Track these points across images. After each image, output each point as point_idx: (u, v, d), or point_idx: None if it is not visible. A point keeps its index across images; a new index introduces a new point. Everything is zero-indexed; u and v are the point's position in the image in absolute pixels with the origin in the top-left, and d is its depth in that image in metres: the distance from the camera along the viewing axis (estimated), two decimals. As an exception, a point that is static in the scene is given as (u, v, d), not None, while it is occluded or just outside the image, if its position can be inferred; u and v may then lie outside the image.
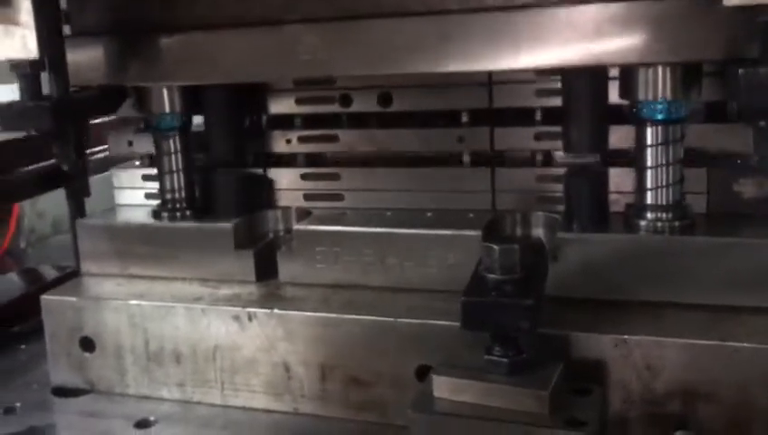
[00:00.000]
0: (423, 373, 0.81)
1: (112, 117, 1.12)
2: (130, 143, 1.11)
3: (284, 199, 1.08)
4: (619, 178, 0.91)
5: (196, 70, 0.93)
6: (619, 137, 0.90)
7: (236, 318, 0.90)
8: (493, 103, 0.97)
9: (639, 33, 0.76)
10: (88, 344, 0.96)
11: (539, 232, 0.95)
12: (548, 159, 0.97)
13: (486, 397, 0.69)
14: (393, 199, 1.02)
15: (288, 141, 1.06)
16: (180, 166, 1.04)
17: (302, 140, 1.06)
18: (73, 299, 0.97)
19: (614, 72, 0.89)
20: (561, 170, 0.93)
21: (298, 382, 0.88)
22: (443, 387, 0.71)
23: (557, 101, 0.92)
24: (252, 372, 0.90)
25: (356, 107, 1.03)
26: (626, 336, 0.76)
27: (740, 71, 0.66)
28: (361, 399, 0.86)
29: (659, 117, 0.82)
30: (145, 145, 1.08)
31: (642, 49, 0.76)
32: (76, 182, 0.92)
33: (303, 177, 1.06)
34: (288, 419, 0.89)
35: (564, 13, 0.77)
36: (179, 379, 0.93)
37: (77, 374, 0.98)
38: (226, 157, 1.04)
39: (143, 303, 0.94)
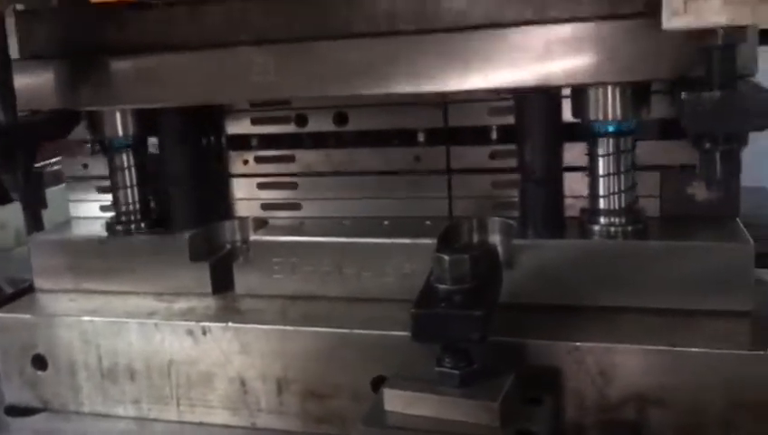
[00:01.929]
0: (379, 385, 0.80)
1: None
2: (86, 166, 1.09)
3: (242, 209, 1.07)
4: (575, 183, 0.91)
5: (149, 93, 0.91)
6: (575, 154, 0.90)
7: (190, 333, 0.88)
8: (448, 123, 0.97)
9: (588, 53, 0.75)
10: (40, 362, 0.95)
11: (495, 238, 0.95)
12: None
13: (438, 410, 0.68)
14: (351, 208, 1.01)
15: (245, 162, 1.05)
16: (134, 181, 1.02)
17: (258, 160, 1.04)
18: (26, 316, 0.96)
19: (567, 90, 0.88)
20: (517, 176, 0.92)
21: (255, 397, 0.87)
22: (394, 400, 0.70)
23: (511, 120, 0.92)
24: (208, 387, 0.89)
25: (312, 127, 1.02)
26: (578, 343, 0.76)
27: (683, 95, 0.66)
28: (319, 412, 0.85)
29: (610, 129, 0.83)
30: (101, 167, 1.06)
31: (591, 70, 0.76)
32: (26, 204, 0.89)
33: (260, 186, 1.05)
34: (245, 433, 0.87)
35: (514, 34, 0.77)
36: (134, 396, 0.91)
37: (30, 393, 0.96)
38: (181, 178, 1.02)
39: (95, 319, 0.92)
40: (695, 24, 0.62)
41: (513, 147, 0.92)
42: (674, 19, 0.62)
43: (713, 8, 0.61)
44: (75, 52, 0.92)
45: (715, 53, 0.64)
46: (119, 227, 1.02)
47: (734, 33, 0.63)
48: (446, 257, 0.71)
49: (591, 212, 0.87)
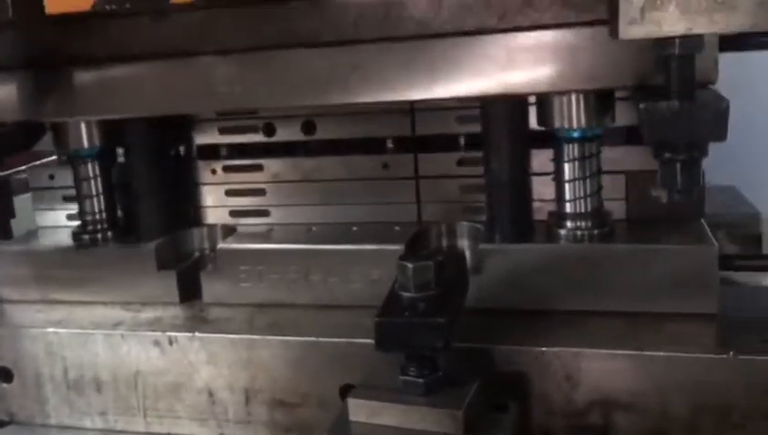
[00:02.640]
0: (346, 393, 0.80)
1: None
2: (52, 177, 1.08)
3: (211, 217, 1.06)
4: (542, 187, 0.91)
5: (113, 104, 0.90)
6: (542, 160, 0.90)
7: (157, 343, 0.87)
8: (416, 131, 0.96)
9: (551, 61, 0.75)
10: (6, 374, 0.93)
11: (464, 243, 0.95)
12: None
13: (402, 419, 0.68)
14: (320, 214, 1.00)
15: (213, 172, 1.04)
16: (100, 190, 1.01)
17: (227, 169, 1.04)
18: (-10, 328, 0.94)
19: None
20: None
21: (222, 407, 0.86)
22: (359, 411, 0.69)
23: (479, 127, 0.91)
24: (175, 397, 0.88)
25: (280, 136, 1.01)
26: (544, 348, 0.76)
27: (641, 105, 0.66)
28: (287, 421, 0.85)
29: (575, 135, 0.83)
30: (67, 178, 1.05)
31: (554, 77, 0.76)
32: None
33: (229, 193, 1.04)
34: (214, 444, 0.87)
35: (477, 42, 0.77)
36: (101, 407, 0.90)
37: (-4, 406, 0.95)
38: (148, 187, 1.01)
39: (60, 330, 0.91)
40: (652, 34, 0.62)
41: (480, 154, 0.91)
42: (630, 29, 0.62)
43: (670, 17, 0.61)
44: (38, 63, 0.91)
45: (672, 62, 0.64)
46: (85, 237, 1.01)
47: (692, 42, 0.63)
48: (410, 265, 0.71)
49: (558, 216, 0.87)
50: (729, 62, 0.78)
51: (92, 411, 0.91)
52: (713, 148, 0.84)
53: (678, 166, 0.67)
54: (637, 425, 0.74)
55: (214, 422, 0.87)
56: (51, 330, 0.91)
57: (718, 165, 0.92)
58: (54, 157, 1.13)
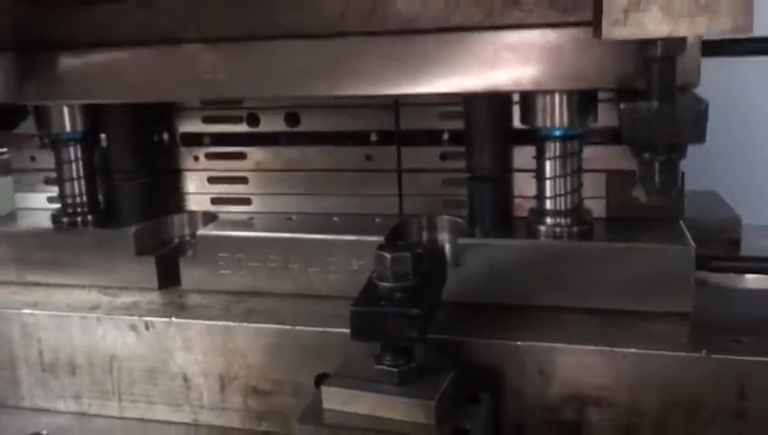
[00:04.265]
0: (321, 382, 0.80)
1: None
2: (33, 158, 1.07)
3: (192, 204, 1.06)
4: (523, 183, 0.91)
5: (97, 89, 0.90)
6: (524, 157, 0.90)
7: (133, 327, 0.87)
8: (399, 125, 0.97)
9: (535, 60, 0.76)
10: (-20, 356, 0.93)
11: (444, 236, 0.95)
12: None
13: (376, 407, 0.68)
14: (302, 203, 1.01)
15: (196, 159, 1.04)
16: (81, 173, 1.00)
17: (210, 156, 1.03)
18: (-35, 309, 0.94)
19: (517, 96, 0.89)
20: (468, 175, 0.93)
21: (197, 393, 0.86)
22: (333, 398, 0.70)
23: (462, 124, 0.92)
24: (150, 382, 0.87)
25: (264, 127, 1.01)
26: (519, 342, 0.76)
27: (621, 105, 0.66)
28: (261, 408, 0.85)
29: (557, 134, 0.83)
30: (48, 160, 1.04)
31: (537, 76, 0.76)
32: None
33: (211, 180, 1.04)
34: (187, 430, 0.87)
35: (463, 39, 0.77)
36: (75, 390, 0.90)
37: (-31, 387, 0.94)
38: (130, 171, 1.00)
39: (36, 312, 0.90)
40: (635, 35, 0.62)
41: (463, 149, 0.92)
42: (614, 29, 0.62)
43: (653, 19, 0.62)
44: (22, 46, 0.90)
45: (654, 64, 0.64)
46: (65, 220, 1.01)
47: (674, 44, 0.63)
48: (388, 255, 0.71)
49: (538, 213, 0.87)
50: (711, 69, 0.79)
51: (66, 394, 0.90)
52: (696, 153, 0.85)
53: (657, 166, 0.67)
54: (609, 420, 0.75)
55: (188, 408, 0.87)
56: (27, 311, 0.91)
57: (700, 170, 0.93)
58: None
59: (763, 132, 1.54)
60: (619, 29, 0.63)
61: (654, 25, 0.62)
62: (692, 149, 0.83)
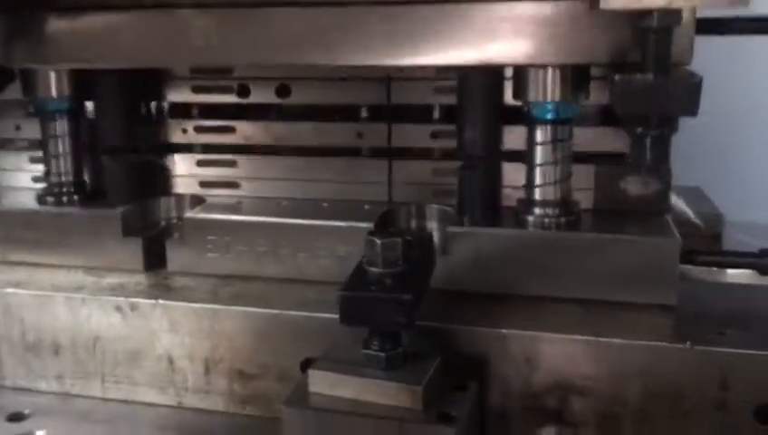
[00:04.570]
0: (308, 366, 0.80)
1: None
2: (18, 127, 1.06)
3: (180, 186, 1.05)
4: (513, 173, 0.92)
5: (85, 53, 0.89)
6: (514, 137, 0.91)
7: (119, 308, 0.87)
8: (391, 100, 0.96)
9: (529, 34, 0.76)
10: (-39, 335, 0.92)
11: (433, 224, 0.96)
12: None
13: (362, 392, 0.68)
14: (291, 188, 1.00)
15: (184, 131, 1.03)
16: (68, 149, 0.99)
17: (198, 130, 1.03)
18: (-54, 287, 0.93)
19: (509, 73, 0.89)
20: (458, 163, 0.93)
21: (182, 375, 0.86)
22: (320, 382, 0.70)
23: (454, 99, 0.92)
24: (134, 364, 0.87)
25: (254, 98, 1.00)
26: (505, 331, 0.77)
27: (616, 77, 0.66)
28: (246, 392, 0.85)
29: (549, 117, 0.83)
30: (34, 130, 1.03)
31: (531, 50, 0.76)
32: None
33: (199, 163, 1.04)
34: (171, 412, 0.86)
35: (460, 10, 0.77)
36: (58, 371, 0.89)
37: (-50, 365, 0.93)
38: (118, 144, 0.99)
39: (20, 291, 0.90)
40: (632, 6, 0.63)
41: (454, 127, 0.92)
42: (612, 0, 0.63)
43: (650, -11, 0.62)
44: (9, 6, 0.88)
45: (650, 35, 0.65)
46: (49, 199, 1.00)
47: (670, 16, 0.64)
48: (378, 241, 0.71)
49: (527, 202, 0.88)
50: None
51: (49, 374, 0.90)
52: (680, 150, 0.85)
53: (648, 141, 0.68)
54: (592, 409, 0.75)
55: (172, 391, 0.87)
56: (10, 290, 0.90)
57: (685, 166, 0.94)
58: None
59: (749, 131, 1.56)
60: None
61: None
62: (677, 146, 0.84)
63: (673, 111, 0.66)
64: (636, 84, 0.65)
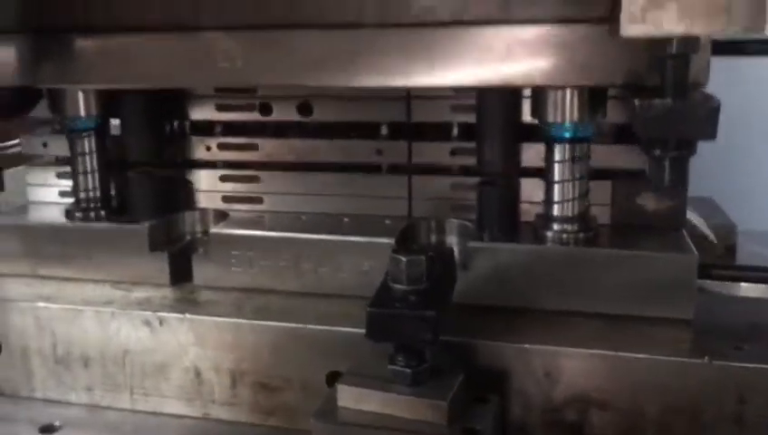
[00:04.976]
0: (334, 380, 0.82)
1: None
2: (45, 144, 1.08)
3: (204, 201, 1.07)
4: (530, 189, 0.94)
5: (112, 73, 0.91)
6: (533, 154, 0.92)
7: (147, 323, 0.89)
8: (411, 117, 0.98)
9: (548, 56, 0.77)
10: (-7, 347, 0.94)
11: (452, 239, 0.97)
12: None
13: (389, 407, 0.70)
14: (312, 203, 1.02)
15: (208, 148, 1.05)
16: (95, 166, 1.02)
17: (221, 147, 1.05)
18: (-22, 300, 0.95)
19: (528, 91, 0.91)
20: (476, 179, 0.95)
21: (209, 388, 0.88)
22: (347, 396, 0.72)
23: (473, 117, 0.94)
24: (162, 376, 0.89)
25: (276, 116, 1.02)
26: (526, 345, 0.78)
27: (636, 102, 0.68)
28: (271, 404, 0.86)
29: (567, 135, 0.85)
30: (61, 146, 1.06)
31: (550, 72, 0.78)
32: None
33: (223, 178, 1.06)
34: (198, 424, 0.88)
35: (478, 33, 0.79)
36: (88, 383, 0.92)
37: (-19, 377, 0.95)
38: (143, 161, 1.02)
39: (51, 305, 0.92)
40: (652, 33, 0.64)
41: (473, 144, 0.94)
42: (632, 27, 0.64)
43: (670, 18, 0.63)
44: (39, 28, 0.91)
45: (669, 61, 0.67)
46: (77, 214, 1.02)
47: (689, 43, 0.66)
48: (403, 258, 0.73)
49: (546, 218, 0.89)
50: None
51: (78, 386, 0.92)
52: (691, 161, 0.86)
53: (667, 162, 0.70)
54: (611, 423, 0.77)
55: (199, 402, 0.89)
56: (41, 304, 0.92)
57: (696, 177, 0.96)
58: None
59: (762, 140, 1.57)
60: (636, 27, 0.65)
61: (671, 24, 0.64)
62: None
63: (692, 135, 0.68)
64: (655, 110, 0.67)
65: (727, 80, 0.83)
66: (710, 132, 0.67)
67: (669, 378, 0.75)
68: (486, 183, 0.92)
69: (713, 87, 0.75)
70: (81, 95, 0.98)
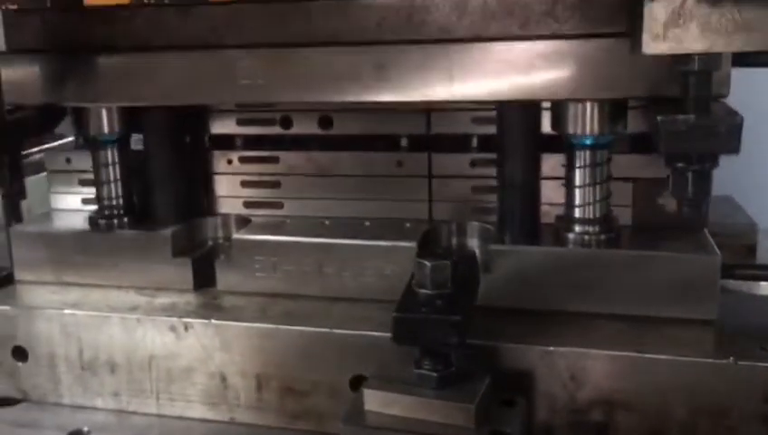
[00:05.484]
0: (357, 383, 0.83)
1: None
2: (68, 160, 1.09)
3: (224, 207, 1.08)
4: (550, 191, 0.94)
5: (136, 92, 0.92)
6: (553, 163, 0.93)
7: (173, 328, 0.90)
8: (431, 130, 0.99)
9: (568, 70, 0.78)
10: (21, 354, 0.95)
11: (474, 242, 0.98)
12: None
13: (416, 410, 0.71)
14: (333, 208, 1.03)
15: (229, 162, 1.06)
16: (118, 176, 1.03)
17: (242, 160, 1.06)
18: (6, 308, 0.96)
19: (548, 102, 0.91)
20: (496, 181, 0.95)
21: (234, 392, 0.89)
22: (374, 400, 0.72)
23: (493, 129, 0.94)
24: (188, 381, 0.90)
25: (296, 129, 1.03)
26: (551, 348, 0.79)
27: (659, 118, 0.68)
28: (297, 408, 0.87)
29: (588, 143, 0.85)
30: (84, 162, 1.07)
31: (570, 86, 0.79)
32: (8, 196, 0.91)
33: (244, 184, 1.07)
34: (224, 428, 0.89)
35: (498, 48, 0.80)
36: (114, 388, 0.93)
37: (10, 383, 0.96)
38: (165, 174, 1.03)
39: (77, 312, 0.93)
40: (674, 51, 0.65)
41: (493, 155, 0.94)
42: (654, 44, 0.65)
43: (691, 36, 0.64)
44: (63, 48, 0.92)
45: (691, 77, 0.67)
46: (101, 221, 1.03)
47: (710, 59, 0.66)
48: (428, 263, 0.73)
49: (567, 220, 0.89)
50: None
51: (105, 392, 0.93)
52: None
53: (690, 176, 0.70)
54: (636, 424, 0.77)
55: (225, 407, 0.89)
56: (67, 311, 0.93)
57: (716, 175, 0.96)
58: (70, 139, 1.15)
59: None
60: (658, 44, 0.66)
61: (692, 41, 0.65)
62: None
63: (715, 150, 0.68)
64: (678, 125, 0.67)
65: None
66: (733, 147, 0.67)
67: (694, 379, 0.75)
68: (508, 186, 0.92)
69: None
70: (104, 112, 0.99)
